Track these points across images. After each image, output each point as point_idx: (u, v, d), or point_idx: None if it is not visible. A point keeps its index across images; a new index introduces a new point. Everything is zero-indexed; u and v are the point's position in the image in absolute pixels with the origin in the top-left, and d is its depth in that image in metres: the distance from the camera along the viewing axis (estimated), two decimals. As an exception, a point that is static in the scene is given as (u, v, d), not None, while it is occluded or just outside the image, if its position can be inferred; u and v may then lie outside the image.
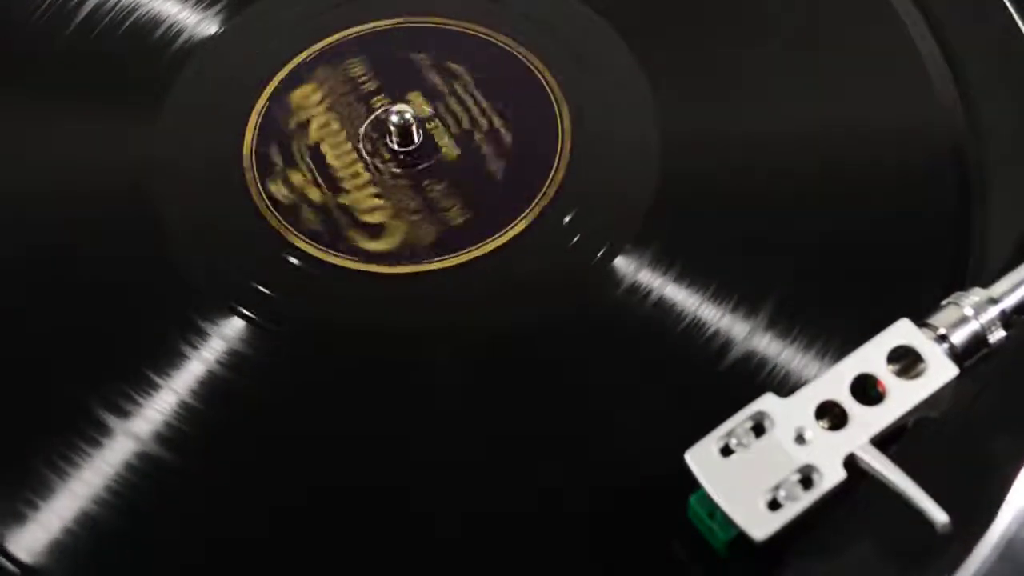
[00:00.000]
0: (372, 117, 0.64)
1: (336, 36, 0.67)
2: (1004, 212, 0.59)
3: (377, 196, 0.62)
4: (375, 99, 0.65)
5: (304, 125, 0.64)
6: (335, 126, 0.64)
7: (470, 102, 0.64)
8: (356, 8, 0.68)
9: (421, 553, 0.52)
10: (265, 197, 0.62)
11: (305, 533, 0.52)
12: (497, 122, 0.64)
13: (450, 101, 0.64)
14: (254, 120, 0.64)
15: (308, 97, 0.65)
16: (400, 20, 0.68)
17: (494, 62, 0.66)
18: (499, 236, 0.60)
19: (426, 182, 0.62)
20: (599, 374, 0.56)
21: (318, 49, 0.67)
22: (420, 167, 0.62)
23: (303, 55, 0.67)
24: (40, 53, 0.69)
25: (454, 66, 0.66)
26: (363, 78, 0.65)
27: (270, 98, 0.65)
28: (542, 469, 0.54)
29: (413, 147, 0.63)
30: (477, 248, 0.59)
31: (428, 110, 0.64)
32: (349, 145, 0.63)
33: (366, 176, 0.62)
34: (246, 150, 0.63)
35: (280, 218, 0.61)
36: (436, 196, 0.62)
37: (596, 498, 0.53)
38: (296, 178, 0.62)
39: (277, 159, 0.63)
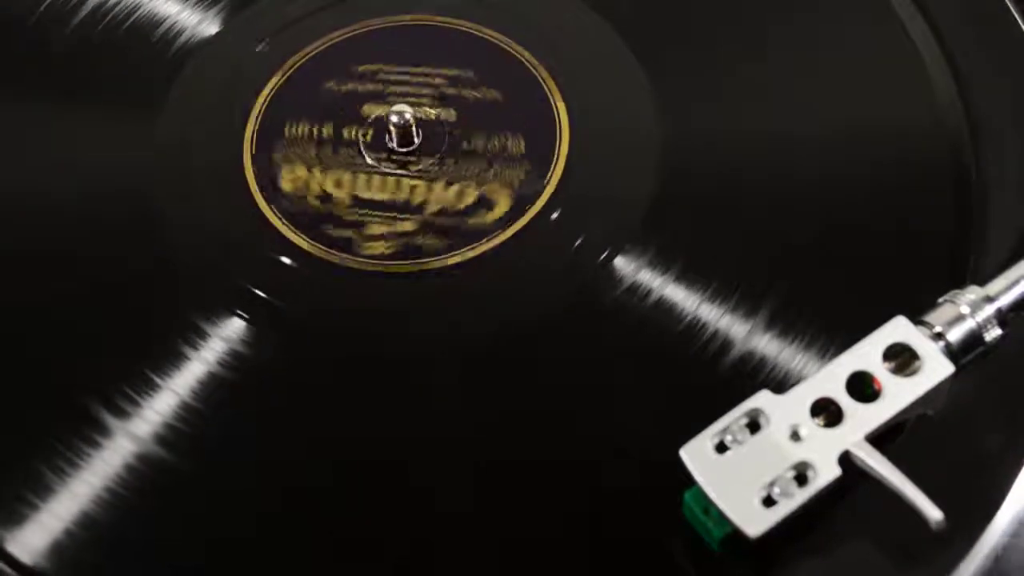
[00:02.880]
0: (365, 144, 0.65)
1: (337, 34, 0.68)
2: (1003, 211, 0.60)
3: (449, 183, 0.63)
4: (346, 131, 0.65)
5: (327, 196, 0.63)
6: (347, 175, 0.64)
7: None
8: (356, 7, 0.69)
9: (419, 552, 0.53)
10: (264, 196, 0.63)
11: (305, 534, 0.53)
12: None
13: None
14: (254, 120, 0.65)
15: (298, 178, 0.64)
16: (400, 18, 0.69)
17: (493, 62, 0.67)
18: (498, 235, 0.61)
19: (465, 144, 0.64)
20: (599, 374, 0.57)
21: (316, 49, 0.68)
22: (443, 148, 0.64)
23: (302, 54, 0.68)
24: (40, 53, 0.69)
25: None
26: (314, 129, 0.66)
27: (266, 110, 0.66)
28: (541, 468, 0.55)
29: (413, 147, 0.64)
30: (476, 248, 0.60)
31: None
32: (378, 177, 0.64)
33: (421, 183, 0.63)
34: (246, 150, 0.64)
35: (281, 217, 0.62)
36: (493, 146, 0.63)
37: (594, 497, 0.54)
38: (380, 228, 0.62)
39: (348, 233, 0.62)
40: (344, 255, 0.61)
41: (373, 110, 0.66)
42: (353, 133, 0.65)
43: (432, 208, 0.62)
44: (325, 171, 0.64)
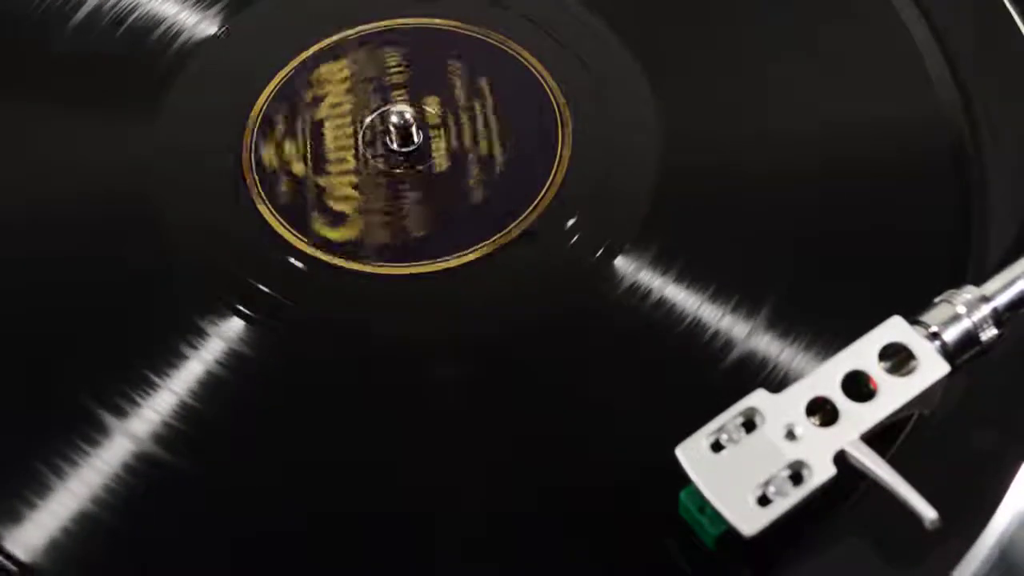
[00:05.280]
0: (381, 111, 0.66)
1: (336, 36, 0.69)
2: (1003, 211, 0.61)
3: (353, 187, 0.64)
4: (395, 92, 0.67)
5: (319, 99, 0.66)
6: (346, 107, 0.66)
7: (478, 111, 0.66)
8: (356, 8, 0.70)
9: (417, 552, 0.54)
10: (264, 197, 0.64)
11: (304, 533, 0.54)
12: (495, 145, 0.65)
13: (461, 113, 0.67)
14: (254, 120, 0.66)
15: (335, 73, 0.67)
16: (400, 21, 0.70)
17: (494, 62, 0.68)
18: (500, 236, 0.62)
19: (402, 186, 0.64)
20: (599, 374, 0.58)
21: (317, 49, 0.69)
22: (402, 171, 0.65)
23: (302, 55, 0.69)
24: (40, 53, 0.70)
25: (454, 65, 0.68)
26: (394, 69, 0.68)
27: (273, 95, 0.67)
28: (540, 468, 0.55)
29: (411, 149, 0.65)
30: (476, 248, 0.61)
31: (437, 118, 0.66)
32: (350, 130, 0.66)
33: (351, 164, 0.64)
34: (245, 150, 0.65)
35: (280, 218, 0.63)
36: (405, 204, 0.64)
37: (594, 497, 0.54)
38: (288, 148, 0.65)
39: (281, 124, 0.65)
40: (347, 257, 0.62)
41: (387, 103, 0.67)
42: (359, 119, 0.67)
43: (397, 211, 0.64)
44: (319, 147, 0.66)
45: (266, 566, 0.54)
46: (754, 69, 0.67)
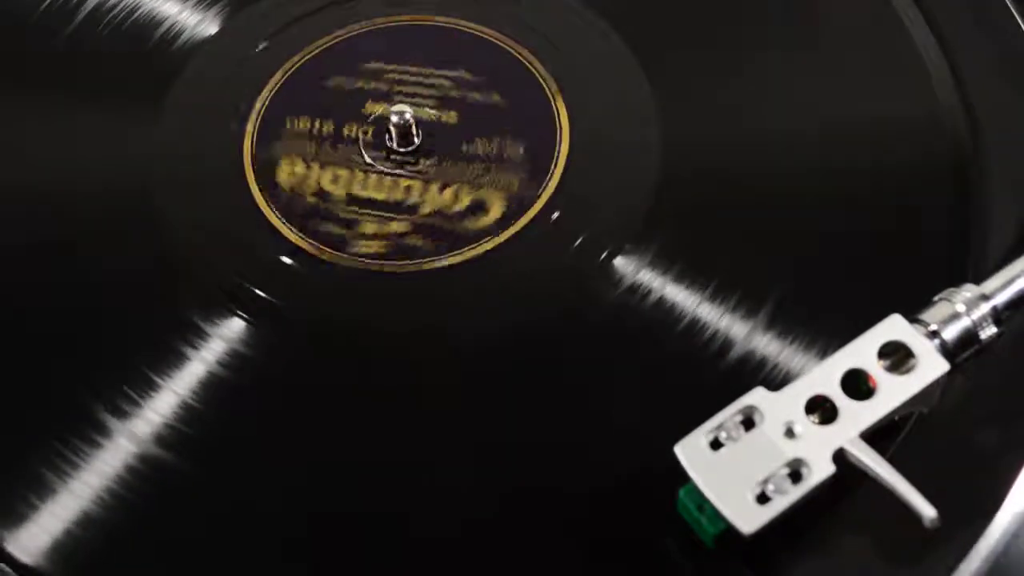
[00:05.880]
0: (380, 111, 0.66)
1: (341, 33, 0.70)
2: (1003, 211, 0.61)
3: (445, 185, 0.64)
4: (346, 128, 0.67)
5: (323, 193, 0.65)
6: (345, 173, 0.65)
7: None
8: (357, 7, 0.71)
9: (416, 552, 0.54)
10: (265, 196, 0.64)
11: (305, 534, 0.54)
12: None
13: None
14: (254, 120, 0.67)
15: (296, 173, 0.65)
16: (400, 19, 0.70)
17: (493, 61, 0.68)
18: (498, 236, 0.62)
19: (464, 147, 0.65)
20: (599, 374, 0.58)
21: (316, 49, 0.69)
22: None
23: (301, 55, 0.69)
24: (40, 52, 0.71)
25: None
26: (315, 125, 0.67)
27: (266, 110, 0.67)
28: (540, 467, 0.56)
29: (413, 147, 0.65)
30: (476, 247, 0.62)
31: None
32: (375, 176, 0.65)
33: (417, 183, 0.64)
34: (246, 149, 0.66)
35: (281, 217, 0.63)
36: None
37: (593, 496, 0.54)
38: (372, 227, 0.63)
39: (341, 230, 0.63)
40: (337, 253, 0.62)
41: (375, 108, 0.67)
42: (354, 131, 0.66)
43: (426, 210, 0.63)
44: (323, 167, 0.65)
45: (268, 566, 0.54)
46: (754, 69, 0.67)
